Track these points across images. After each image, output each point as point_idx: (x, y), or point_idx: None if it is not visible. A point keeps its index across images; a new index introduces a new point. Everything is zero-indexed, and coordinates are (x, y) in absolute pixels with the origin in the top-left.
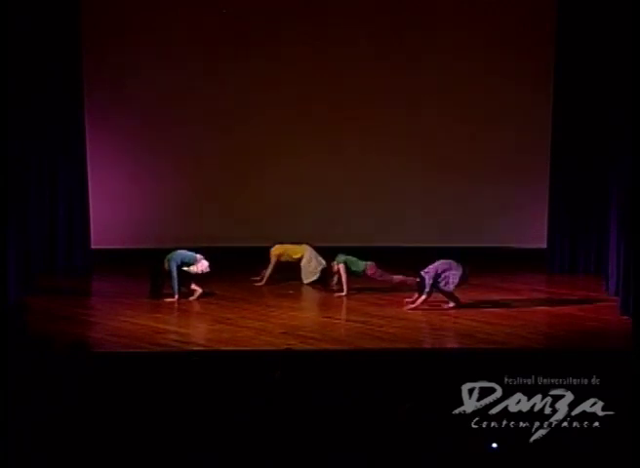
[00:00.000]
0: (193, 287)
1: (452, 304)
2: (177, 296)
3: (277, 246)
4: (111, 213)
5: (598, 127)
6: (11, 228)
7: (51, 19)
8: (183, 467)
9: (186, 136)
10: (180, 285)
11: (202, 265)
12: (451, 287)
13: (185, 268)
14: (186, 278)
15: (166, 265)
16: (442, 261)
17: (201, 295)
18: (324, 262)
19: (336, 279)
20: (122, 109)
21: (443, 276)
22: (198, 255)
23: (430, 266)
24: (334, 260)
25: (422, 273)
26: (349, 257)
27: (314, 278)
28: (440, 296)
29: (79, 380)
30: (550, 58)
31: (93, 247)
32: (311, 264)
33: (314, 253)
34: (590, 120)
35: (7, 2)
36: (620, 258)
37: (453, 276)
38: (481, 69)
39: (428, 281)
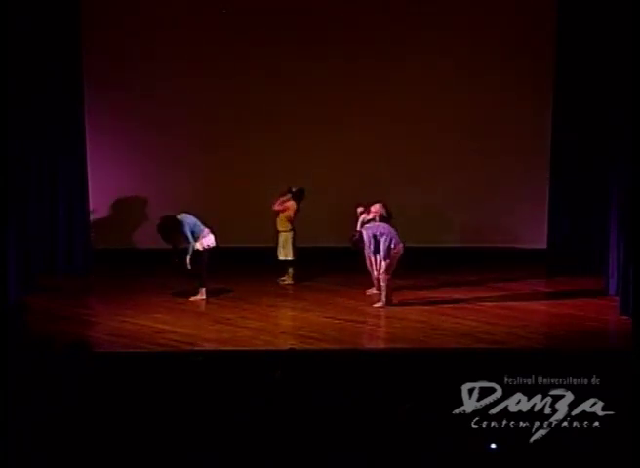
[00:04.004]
0: (203, 291)
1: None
2: (189, 266)
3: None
4: (111, 213)
5: (598, 127)
6: (11, 228)
7: (51, 19)
8: (183, 467)
9: (187, 137)
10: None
11: (207, 240)
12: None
13: (193, 244)
14: (204, 278)
15: (178, 217)
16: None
17: (202, 301)
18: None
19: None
20: (122, 109)
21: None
22: (206, 229)
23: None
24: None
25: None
26: None
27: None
28: (439, 297)
29: (79, 380)
30: (550, 58)
31: (93, 247)
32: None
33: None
34: (590, 120)
35: (7, 2)
36: (620, 258)
37: (385, 241)
38: (481, 69)
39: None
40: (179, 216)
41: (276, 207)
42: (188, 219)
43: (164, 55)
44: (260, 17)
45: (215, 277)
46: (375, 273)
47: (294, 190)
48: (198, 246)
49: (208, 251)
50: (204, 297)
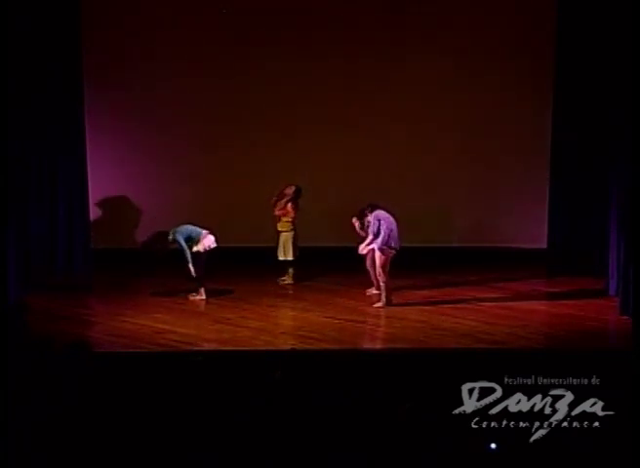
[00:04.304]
0: (202, 291)
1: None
2: (193, 273)
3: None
4: (111, 213)
5: (598, 127)
6: (11, 228)
7: (51, 20)
8: (183, 467)
9: (186, 137)
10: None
11: (207, 241)
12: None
13: (194, 248)
14: (202, 278)
15: (170, 236)
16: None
17: (202, 300)
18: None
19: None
20: (122, 109)
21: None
22: (204, 231)
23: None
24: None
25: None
26: None
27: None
28: (439, 296)
29: (79, 380)
30: (550, 58)
31: (93, 247)
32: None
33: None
34: (590, 120)
35: (7, 2)
36: (620, 258)
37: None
38: (481, 69)
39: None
40: (171, 231)
41: (277, 212)
42: (181, 229)
43: (164, 55)
44: (260, 17)
45: (215, 277)
46: (361, 248)
47: (291, 192)
48: (200, 248)
49: (207, 252)
50: (204, 297)
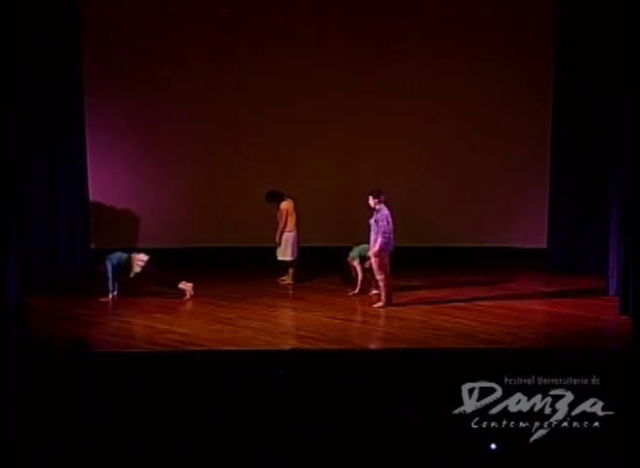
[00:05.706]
0: (182, 286)
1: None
2: (110, 296)
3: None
4: (111, 213)
5: (598, 127)
6: (11, 228)
7: (51, 19)
8: (183, 467)
9: (186, 137)
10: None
11: (137, 259)
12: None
13: (132, 275)
14: (171, 279)
15: (101, 267)
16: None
17: (192, 291)
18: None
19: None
20: (122, 109)
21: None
22: (132, 255)
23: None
24: (348, 256)
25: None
26: (362, 247)
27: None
28: (439, 297)
29: (79, 380)
30: (550, 58)
31: (93, 247)
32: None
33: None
34: (590, 120)
35: (8, 4)
36: (619, 258)
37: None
38: (481, 69)
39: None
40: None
41: (282, 226)
42: (113, 258)
43: (164, 55)
44: (260, 17)
45: (215, 277)
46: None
47: (275, 202)
48: (137, 270)
49: (148, 263)
50: (188, 287)
